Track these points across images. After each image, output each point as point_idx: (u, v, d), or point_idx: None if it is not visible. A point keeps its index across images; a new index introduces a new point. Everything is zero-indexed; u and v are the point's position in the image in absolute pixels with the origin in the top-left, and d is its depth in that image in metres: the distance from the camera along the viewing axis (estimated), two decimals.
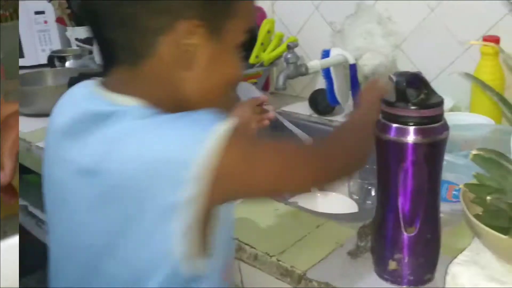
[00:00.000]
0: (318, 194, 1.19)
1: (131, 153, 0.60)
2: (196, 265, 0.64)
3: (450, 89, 1.27)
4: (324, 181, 0.75)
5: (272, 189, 0.69)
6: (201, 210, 0.59)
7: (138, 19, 0.63)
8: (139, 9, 0.62)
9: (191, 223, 0.59)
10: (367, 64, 1.44)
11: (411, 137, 0.68)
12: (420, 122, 0.68)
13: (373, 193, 1.13)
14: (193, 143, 0.58)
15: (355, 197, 1.16)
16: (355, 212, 1.09)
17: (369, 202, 1.14)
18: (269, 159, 0.65)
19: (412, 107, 0.68)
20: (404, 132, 0.68)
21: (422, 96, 0.69)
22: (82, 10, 0.71)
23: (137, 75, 0.67)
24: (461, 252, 0.67)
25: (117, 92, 0.67)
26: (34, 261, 2.24)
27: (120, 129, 0.62)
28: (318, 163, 0.71)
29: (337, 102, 1.47)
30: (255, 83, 1.64)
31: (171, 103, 0.66)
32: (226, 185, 0.60)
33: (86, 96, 0.70)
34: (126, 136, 0.62)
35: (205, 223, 0.63)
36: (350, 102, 1.51)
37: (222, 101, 0.71)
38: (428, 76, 1.36)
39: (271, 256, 0.85)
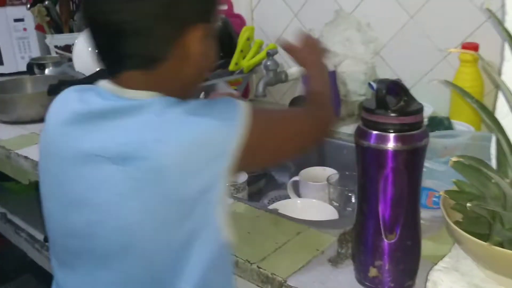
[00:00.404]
0: (298, 201, 1.18)
1: (173, 135, 0.66)
2: (229, 234, 0.73)
3: (429, 96, 1.29)
4: (321, 133, 0.89)
5: (290, 149, 0.81)
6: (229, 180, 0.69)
7: (152, 30, 0.69)
8: (154, 20, 0.68)
9: (224, 191, 0.68)
10: (347, 71, 1.45)
11: (391, 144, 0.68)
12: (400, 129, 0.68)
13: (353, 199, 1.13)
14: (230, 122, 0.68)
15: (335, 204, 1.15)
16: (335, 219, 1.08)
17: (349, 209, 1.14)
18: (284, 127, 0.79)
19: (392, 114, 0.68)
20: (384, 139, 0.68)
21: (402, 103, 0.69)
22: (89, 21, 0.73)
23: (150, 75, 0.72)
24: (441, 259, 0.67)
25: (132, 89, 0.72)
26: (13, 268, 2.20)
27: (153, 117, 0.68)
28: (316, 121, 0.86)
29: None
30: (235, 90, 1.63)
31: (178, 91, 0.74)
32: (255, 153, 0.71)
33: (93, 95, 0.74)
34: (163, 122, 0.67)
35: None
36: None
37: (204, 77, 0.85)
38: (407, 83, 1.38)
39: (251, 264, 0.84)
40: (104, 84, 0.75)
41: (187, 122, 0.67)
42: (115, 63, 0.74)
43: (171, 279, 0.70)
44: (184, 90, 0.77)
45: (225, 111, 0.70)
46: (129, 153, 0.66)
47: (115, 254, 0.71)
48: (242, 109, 0.70)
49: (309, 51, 1.03)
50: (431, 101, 1.28)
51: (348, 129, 1.44)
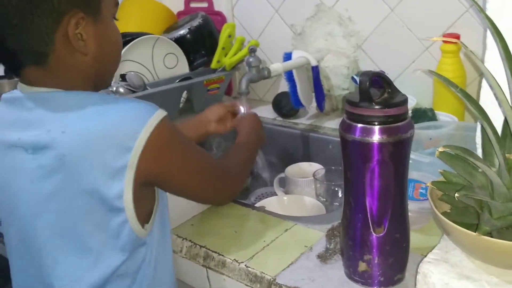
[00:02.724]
0: (285, 198, 1.18)
1: (77, 127, 0.68)
2: (141, 230, 0.74)
3: (412, 88, 1.29)
4: (224, 194, 0.91)
5: (181, 186, 0.80)
6: (140, 178, 0.69)
7: (27, 23, 0.68)
8: (26, 14, 0.68)
9: (135, 186, 0.69)
10: (329, 65, 1.45)
11: (376, 137, 0.67)
12: (384, 121, 0.67)
13: (340, 194, 1.12)
14: (141, 121, 0.69)
15: (322, 199, 1.14)
16: (323, 214, 1.07)
17: (336, 203, 1.14)
18: (182, 160, 0.77)
19: (376, 107, 0.67)
20: (369, 132, 0.67)
21: (385, 95, 0.68)
22: None
23: (47, 70, 0.73)
24: (430, 251, 0.66)
25: (36, 86, 0.73)
26: None
27: (60, 110, 0.70)
28: (219, 179, 0.86)
29: (300, 105, 1.47)
30: (217, 88, 1.62)
31: (85, 82, 0.76)
32: (150, 160, 0.70)
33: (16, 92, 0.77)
34: (69, 114, 0.70)
35: (148, 194, 0.76)
36: (314, 103, 1.51)
37: (117, 67, 0.84)
38: (390, 75, 1.37)
39: (239, 263, 0.83)
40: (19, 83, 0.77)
41: (93, 115, 0.69)
42: (9, 61, 0.75)
43: (100, 249, 0.73)
44: (95, 81, 0.78)
45: (137, 108, 0.71)
46: (39, 143, 0.70)
47: (32, 238, 0.74)
48: (154, 110, 0.71)
49: (246, 123, 1.13)
50: (414, 93, 1.28)
51: (332, 123, 1.44)
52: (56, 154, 0.68)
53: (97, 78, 0.78)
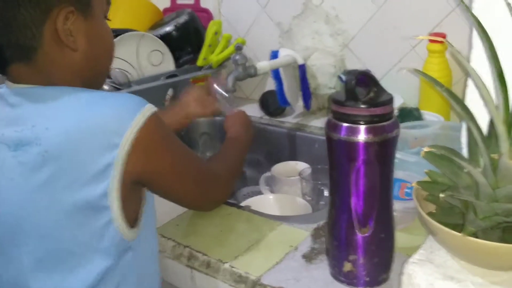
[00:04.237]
0: (271, 197, 1.17)
1: (61, 123, 0.66)
2: (129, 232, 0.72)
3: (398, 87, 1.29)
4: (212, 199, 0.90)
5: (167, 187, 0.78)
6: (127, 176, 0.68)
7: (18, 18, 0.67)
8: (16, 6, 0.66)
9: (121, 184, 0.67)
10: (316, 63, 1.44)
11: (362, 136, 0.67)
12: (370, 121, 0.67)
13: (326, 193, 1.12)
14: (128, 116, 0.67)
15: (308, 198, 1.14)
16: (308, 214, 1.07)
17: (322, 202, 1.13)
18: (171, 158, 0.76)
19: (362, 106, 0.66)
20: (355, 131, 0.67)
21: (371, 94, 0.68)
22: None
23: (33, 66, 0.71)
24: (415, 251, 0.66)
25: (22, 83, 0.71)
26: None
27: (44, 105, 0.68)
28: (206, 183, 0.85)
29: (287, 103, 1.46)
30: (202, 87, 1.61)
31: (74, 80, 0.73)
32: (138, 158, 0.68)
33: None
34: (54, 110, 0.68)
35: (135, 194, 0.74)
36: (301, 102, 1.50)
37: (108, 68, 0.82)
38: (376, 74, 1.37)
39: (224, 263, 0.82)
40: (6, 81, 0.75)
41: (78, 110, 0.67)
42: None
43: (83, 252, 0.71)
44: (84, 80, 0.75)
45: (124, 103, 0.69)
46: (21, 139, 0.68)
47: (11, 239, 0.72)
48: (143, 105, 0.69)
49: (235, 121, 1.13)
50: (401, 92, 1.28)
51: (319, 122, 1.44)
52: (39, 151, 0.66)
53: (88, 78, 0.76)
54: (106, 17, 0.78)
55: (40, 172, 0.67)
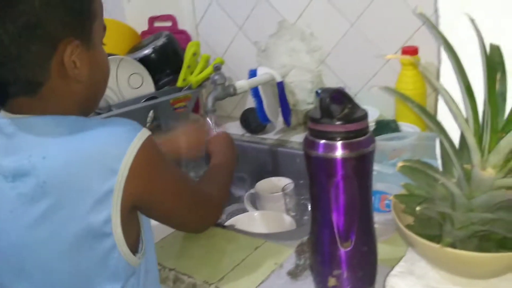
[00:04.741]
0: (255, 214, 1.18)
1: (58, 152, 0.66)
2: (133, 258, 0.72)
3: (375, 100, 1.31)
4: (206, 220, 0.90)
5: (164, 211, 0.78)
6: (127, 202, 0.68)
7: (22, 52, 0.67)
8: (21, 42, 0.66)
9: (122, 210, 0.67)
10: (294, 80, 1.46)
11: (339, 152, 0.68)
12: (346, 137, 0.68)
13: (309, 208, 1.13)
14: (125, 142, 0.67)
15: (292, 213, 1.15)
16: (292, 230, 1.08)
17: (306, 217, 1.14)
18: (169, 182, 0.76)
19: (337, 122, 0.68)
20: (332, 148, 0.68)
21: (346, 110, 0.69)
22: None
23: (37, 99, 0.70)
24: (398, 262, 0.67)
25: (20, 114, 0.71)
26: None
27: (41, 135, 0.68)
28: (202, 207, 0.85)
29: (268, 120, 1.48)
30: (184, 106, 1.62)
31: (76, 109, 0.74)
32: (137, 182, 0.68)
33: None
34: (50, 140, 0.67)
35: (134, 218, 0.74)
36: (281, 118, 1.52)
37: (104, 92, 0.82)
38: (353, 89, 1.41)
39: (210, 284, 0.82)
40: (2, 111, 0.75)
41: (75, 139, 0.67)
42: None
43: (89, 279, 0.71)
44: (82, 107, 0.76)
45: (120, 129, 0.69)
46: (18, 170, 0.67)
47: (14, 273, 0.71)
48: (138, 130, 0.70)
49: (219, 143, 1.12)
50: (377, 105, 1.30)
51: (299, 137, 1.45)
52: (37, 182, 0.65)
53: (86, 104, 0.76)
54: (102, 42, 0.79)
55: (39, 203, 0.66)
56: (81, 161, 0.65)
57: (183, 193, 0.80)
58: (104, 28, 0.78)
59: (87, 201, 0.65)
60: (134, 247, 0.73)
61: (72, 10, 0.69)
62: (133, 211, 0.72)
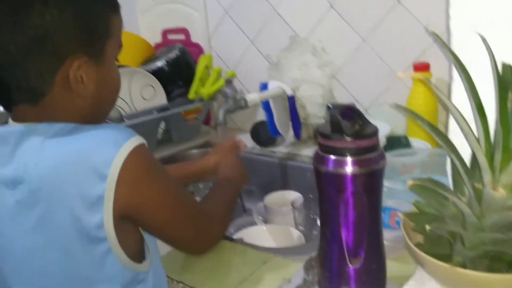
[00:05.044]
0: (264, 228, 1.17)
1: (49, 158, 0.66)
2: (137, 266, 0.72)
3: (386, 116, 1.31)
4: (205, 240, 0.88)
5: (157, 223, 0.76)
6: (119, 210, 0.67)
7: (29, 63, 0.67)
8: (28, 54, 0.67)
9: (114, 216, 0.66)
10: (305, 94, 1.46)
11: (349, 168, 0.68)
12: (356, 153, 0.68)
13: (319, 223, 1.12)
14: (114, 146, 0.66)
15: (301, 228, 1.14)
16: (301, 245, 1.07)
17: (315, 232, 1.14)
18: (158, 191, 0.74)
19: (348, 139, 0.68)
20: (342, 164, 0.68)
21: (356, 127, 0.69)
22: None
23: (40, 108, 0.71)
24: (407, 280, 0.66)
25: (24, 122, 0.71)
26: None
27: (36, 143, 0.68)
28: (199, 223, 0.82)
29: (278, 133, 1.48)
30: (195, 118, 1.63)
31: (77, 121, 0.72)
32: (127, 189, 0.67)
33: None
34: (44, 147, 0.67)
35: (129, 228, 0.72)
36: (291, 132, 1.52)
37: (112, 107, 0.83)
38: (364, 104, 1.40)
39: None
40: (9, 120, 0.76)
41: (65, 142, 0.67)
42: (3, 98, 0.73)
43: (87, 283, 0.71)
44: (87, 120, 0.74)
45: (110, 134, 0.68)
46: (16, 177, 0.68)
47: (16, 279, 0.72)
48: (129, 136, 0.68)
49: (226, 159, 1.11)
50: (388, 121, 1.29)
51: (309, 151, 1.45)
52: (30, 189, 0.66)
53: (90, 118, 0.75)
54: (116, 59, 0.78)
55: (34, 210, 0.67)
56: (69, 163, 0.65)
57: (177, 206, 0.78)
58: (120, 46, 0.78)
59: (79, 206, 0.65)
60: (137, 254, 0.73)
61: (84, 28, 0.70)
62: (126, 220, 0.71)
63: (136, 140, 0.69)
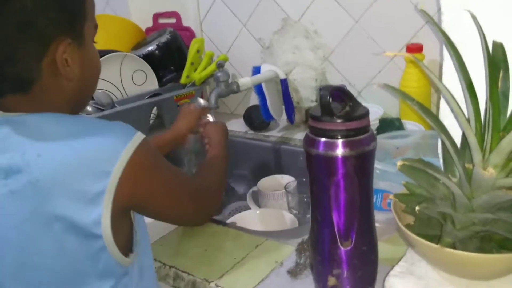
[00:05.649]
0: (258, 212, 1.17)
1: (54, 151, 0.66)
2: (123, 259, 0.72)
3: (379, 98, 1.30)
4: (205, 214, 0.88)
5: (161, 209, 0.78)
6: (119, 203, 0.67)
7: (19, 52, 0.67)
8: (12, 41, 0.66)
9: (113, 212, 0.67)
10: (298, 78, 1.45)
11: (339, 150, 0.67)
12: (347, 135, 0.67)
13: None
14: (120, 145, 0.68)
15: (294, 211, 1.14)
16: (294, 228, 1.07)
17: (309, 216, 1.13)
18: (162, 183, 0.76)
19: (338, 120, 0.67)
20: (332, 146, 0.68)
21: (347, 108, 0.68)
22: None
23: (29, 97, 0.71)
24: (398, 261, 0.66)
25: (12, 112, 0.71)
26: None
27: (37, 133, 0.68)
28: (199, 199, 0.84)
29: (271, 117, 1.47)
30: (188, 103, 1.61)
31: (66, 107, 0.74)
32: (130, 184, 0.68)
33: None
34: (46, 138, 0.67)
35: (126, 221, 0.74)
36: (284, 116, 1.51)
37: (95, 89, 0.84)
38: (357, 86, 1.40)
39: (209, 282, 0.82)
40: None
41: (73, 139, 0.67)
42: None
43: (81, 277, 0.71)
44: (74, 104, 0.76)
45: (115, 132, 0.70)
46: (11, 167, 0.67)
47: (8, 272, 0.71)
48: (133, 134, 0.70)
49: (216, 132, 1.13)
50: (382, 103, 1.29)
51: (303, 135, 1.43)
52: (29, 179, 0.65)
53: (76, 102, 0.77)
54: (93, 41, 0.79)
55: (30, 201, 0.66)
56: (78, 162, 0.65)
57: (180, 190, 0.80)
58: (96, 26, 0.78)
59: (78, 202, 0.65)
60: (125, 248, 0.73)
61: (63, 10, 0.70)
62: (125, 212, 0.73)
63: (139, 137, 0.70)
